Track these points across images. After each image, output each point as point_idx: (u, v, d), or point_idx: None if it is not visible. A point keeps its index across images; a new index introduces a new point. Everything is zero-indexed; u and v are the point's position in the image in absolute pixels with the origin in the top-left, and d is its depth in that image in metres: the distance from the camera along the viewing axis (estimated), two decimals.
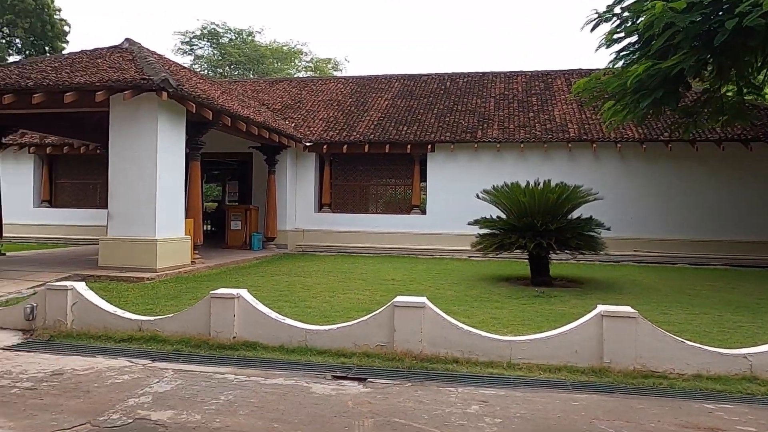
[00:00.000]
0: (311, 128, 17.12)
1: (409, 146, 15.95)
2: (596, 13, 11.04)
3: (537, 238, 9.54)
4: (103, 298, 6.33)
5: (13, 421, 3.75)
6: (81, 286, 6.20)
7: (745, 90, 11.86)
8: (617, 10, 10.94)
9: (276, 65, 40.88)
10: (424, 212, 16.30)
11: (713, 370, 4.72)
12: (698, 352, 4.81)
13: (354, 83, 20.56)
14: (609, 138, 14.94)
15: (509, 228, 10.11)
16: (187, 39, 40.38)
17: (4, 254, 12.17)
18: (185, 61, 39.39)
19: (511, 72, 19.46)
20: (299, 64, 42.99)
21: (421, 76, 20.25)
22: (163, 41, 68.69)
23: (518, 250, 9.90)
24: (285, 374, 4.79)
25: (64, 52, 27.74)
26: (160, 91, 9.60)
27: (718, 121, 12.62)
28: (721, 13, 9.41)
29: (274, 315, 5.64)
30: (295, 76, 38.01)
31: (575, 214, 10.50)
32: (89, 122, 13.70)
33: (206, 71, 38.37)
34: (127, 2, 64.50)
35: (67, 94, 9.64)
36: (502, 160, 15.58)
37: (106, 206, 10.59)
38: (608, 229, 10.43)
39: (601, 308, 5.01)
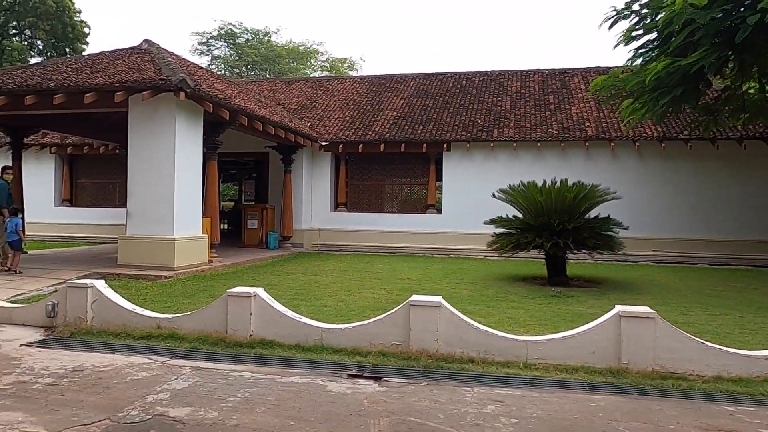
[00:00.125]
0: (327, 128, 17.17)
1: (424, 145, 15.92)
2: (614, 10, 10.93)
3: (554, 237, 9.46)
4: (122, 296, 6.41)
5: (35, 416, 3.81)
6: (101, 284, 6.29)
7: (767, 87, 11.65)
8: (636, 7, 10.82)
9: (292, 65, 41.07)
10: (439, 211, 16.27)
11: (734, 372, 4.64)
12: (719, 353, 4.73)
13: (369, 83, 20.58)
14: (627, 136, 14.77)
15: (525, 227, 10.05)
16: (205, 40, 40.76)
17: (26, 252, 12.38)
18: (203, 61, 39.78)
19: (527, 70, 19.32)
20: (315, 63, 43.15)
21: (436, 75, 20.19)
22: (180, 42, 69.45)
23: (535, 250, 9.82)
24: (301, 372, 4.82)
25: (84, 53, 28.16)
26: (178, 91, 9.70)
27: (739, 119, 12.42)
28: (742, 9, 9.26)
29: (290, 313, 5.67)
30: (311, 75, 38.14)
31: (593, 214, 10.40)
32: (108, 122, 13.89)
33: (223, 71, 38.67)
34: (144, 3, 65.27)
35: (87, 94, 9.78)
36: (519, 160, 15.49)
37: (125, 205, 10.72)
38: (626, 228, 10.32)
39: (619, 308, 4.95)
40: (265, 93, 19.96)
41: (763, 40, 9.33)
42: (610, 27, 11.06)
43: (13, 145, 13.23)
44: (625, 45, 11.35)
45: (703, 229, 14.46)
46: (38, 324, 6.33)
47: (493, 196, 10.90)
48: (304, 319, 5.67)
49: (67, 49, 32.54)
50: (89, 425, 3.67)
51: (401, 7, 67.88)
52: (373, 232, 16.21)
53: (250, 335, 5.58)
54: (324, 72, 41.74)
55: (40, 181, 17.93)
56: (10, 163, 12.24)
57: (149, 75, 10.11)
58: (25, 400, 4.12)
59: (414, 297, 5.33)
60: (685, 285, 10.20)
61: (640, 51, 11.44)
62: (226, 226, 21.96)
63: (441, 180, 16.41)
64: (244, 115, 11.86)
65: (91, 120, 13.64)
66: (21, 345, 5.64)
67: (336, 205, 17.03)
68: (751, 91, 12.39)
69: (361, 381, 4.63)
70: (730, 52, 9.77)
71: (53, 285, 8.46)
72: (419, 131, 16.30)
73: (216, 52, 41.18)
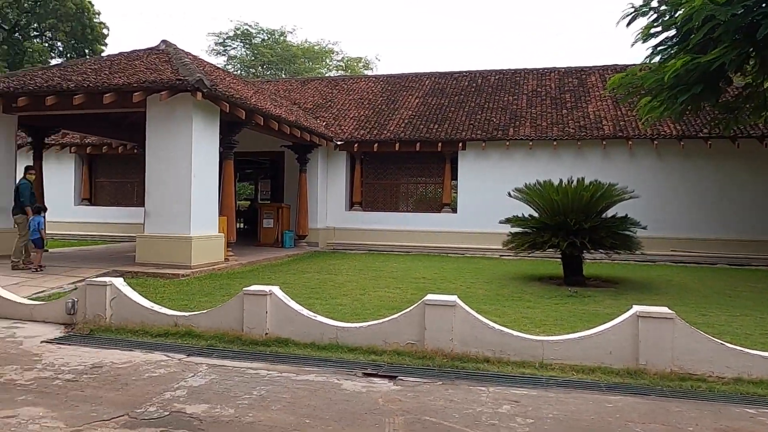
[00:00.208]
0: (342, 127, 17.21)
1: (440, 144, 15.88)
2: (632, 7, 10.82)
3: (570, 237, 9.39)
4: (140, 294, 6.49)
5: (56, 411, 3.88)
6: (119, 282, 6.37)
7: None
8: (654, 3, 10.70)
9: (307, 65, 41.24)
10: (454, 210, 16.22)
11: (755, 374, 4.56)
12: (739, 354, 4.66)
13: (385, 82, 20.57)
14: (645, 135, 14.59)
15: (542, 227, 9.98)
16: (221, 40, 41.12)
17: (47, 251, 12.58)
18: (219, 61, 40.11)
19: (543, 69, 19.17)
20: (330, 63, 43.29)
21: (452, 73, 20.11)
22: (198, 42, 70.11)
23: (551, 249, 9.75)
24: (316, 371, 4.84)
25: (103, 54, 28.54)
26: (194, 91, 9.78)
27: (761, 116, 12.20)
28: (764, 5, 9.10)
29: (305, 312, 5.70)
30: (327, 75, 38.25)
31: (610, 213, 10.29)
32: (127, 122, 14.09)
33: (239, 71, 38.95)
34: (163, 5, 65.94)
35: (106, 95, 9.91)
36: (535, 158, 15.38)
37: (143, 204, 10.85)
38: (644, 228, 10.20)
39: (636, 308, 4.90)
40: (280, 93, 20.06)
41: None
42: (628, 24, 10.95)
43: (35, 145, 13.47)
44: (643, 42, 11.22)
45: (723, 228, 14.23)
46: (58, 321, 6.44)
47: (509, 195, 10.85)
48: (320, 318, 5.69)
49: (87, 50, 33.00)
50: (108, 421, 3.72)
51: (416, 6, 67.81)
52: (388, 231, 16.21)
53: (266, 333, 5.61)
54: (339, 71, 41.85)
55: (60, 180, 18.23)
56: (31, 163, 12.46)
57: (167, 75, 10.21)
58: (46, 396, 4.19)
59: (429, 296, 5.32)
60: (705, 285, 10.05)
61: (658, 48, 11.30)
62: (242, 225, 22.11)
63: (456, 179, 16.36)
64: (260, 114, 11.93)
65: (109, 120, 13.85)
66: (42, 341, 5.73)
67: (351, 204, 17.06)
68: None
69: (376, 380, 4.64)
70: (751, 49, 9.61)
71: (73, 283, 8.59)
72: (434, 130, 16.26)
73: (232, 53, 41.56)
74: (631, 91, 12.23)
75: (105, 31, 34.50)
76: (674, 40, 10.85)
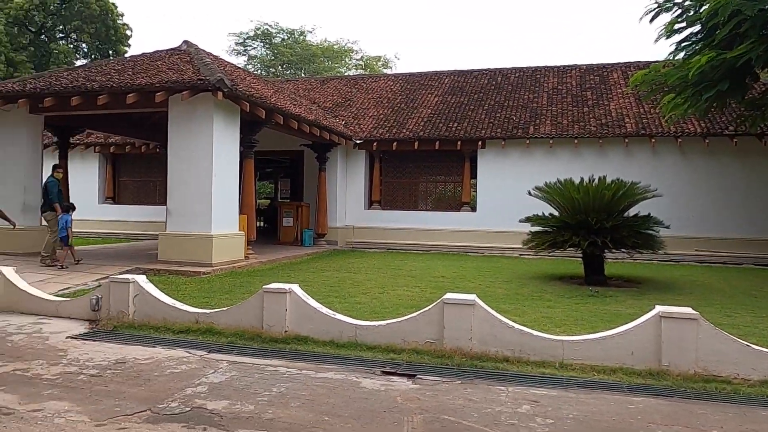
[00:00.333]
0: (361, 126, 17.23)
1: (459, 143, 15.81)
2: (656, 3, 10.66)
3: (591, 236, 9.28)
4: (162, 291, 6.58)
5: (81, 406, 3.96)
6: (142, 279, 6.47)
7: None
8: None
9: (327, 64, 41.38)
10: (474, 209, 16.14)
11: None
12: (765, 356, 4.56)
13: (404, 80, 20.55)
14: (669, 132, 14.35)
15: (562, 225, 9.88)
16: (241, 40, 41.45)
17: (72, 246, 12.82)
18: (239, 61, 40.45)
19: (564, 66, 18.96)
20: (350, 62, 43.36)
21: (471, 71, 20.00)
22: (219, 43, 70.75)
23: (571, 249, 9.64)
24: (335, 368, 4.86)
25: (126, 55, 28.98)
26: (215, 91, 9.88)
27: None
28: None
29: (324, 310, 5.72)
30: (346, 74, 38.34)
31: (632, 212, 10.15)
32: (149, 122, 14.29)
33: (259, 71, 39.24)
34: (185, 6, 66.71)
35: (130, 95, 10.07)
36: (555, 157, 15.24)
37: (165, 203, 10.99)
38: (667, 227, 10.03)
39: (659, 309, 4.83)
40: (300, 92, 20.16)
41: None
42: (652, 20, 10.80)
43: (60, 144, 13.73)
44: (666, 38, 11.06)
45: (749, 228, 13.93)
46: (83, 317, 6.56)
47: (529, 193, 10.76)
48: (339, 316, 5.71)
49: (110, 51, 33.57)
50: (131, 416, 3.78)
51: (436, 5, 67.59)
52: (407, 229, 16.20)
53: (286, 331, 5.65)
54: (358, 70, 41.92)
55: (84, 179, 18.53)
56: (57, 162, 12.71)
57: (188, 75, 10.33)
58: (71, 390, 4.27)
59: (448, 295, 5.31)
60: (730, 286, 9.86)
61: (682, 44, 11.12)
62: (262, 224, 22.30)
63: (475, 177, 16.28)
64: (280, 113, 12.00)
65: (133, 120, 14.06)
66: (67, 337, 5.85)
67: (370, 203, 17.08)
68: None
69: (394, 378, 4.64)
70: None
71: (97, 280, 8.74)
72: (454, 129, 16.19)
73: (252, 52, 41.86)
74: (654, 88, 12.05)
75: (128, 32, 35.06)
76: (699, 36, 10.66)
